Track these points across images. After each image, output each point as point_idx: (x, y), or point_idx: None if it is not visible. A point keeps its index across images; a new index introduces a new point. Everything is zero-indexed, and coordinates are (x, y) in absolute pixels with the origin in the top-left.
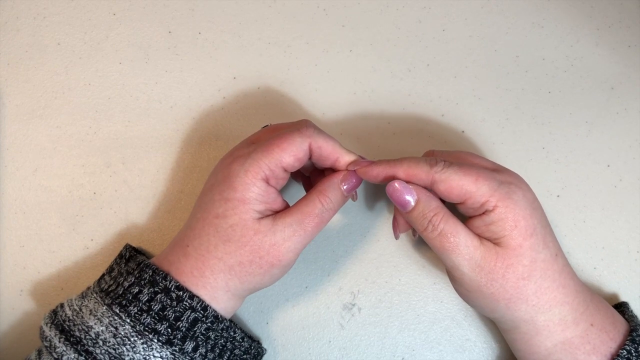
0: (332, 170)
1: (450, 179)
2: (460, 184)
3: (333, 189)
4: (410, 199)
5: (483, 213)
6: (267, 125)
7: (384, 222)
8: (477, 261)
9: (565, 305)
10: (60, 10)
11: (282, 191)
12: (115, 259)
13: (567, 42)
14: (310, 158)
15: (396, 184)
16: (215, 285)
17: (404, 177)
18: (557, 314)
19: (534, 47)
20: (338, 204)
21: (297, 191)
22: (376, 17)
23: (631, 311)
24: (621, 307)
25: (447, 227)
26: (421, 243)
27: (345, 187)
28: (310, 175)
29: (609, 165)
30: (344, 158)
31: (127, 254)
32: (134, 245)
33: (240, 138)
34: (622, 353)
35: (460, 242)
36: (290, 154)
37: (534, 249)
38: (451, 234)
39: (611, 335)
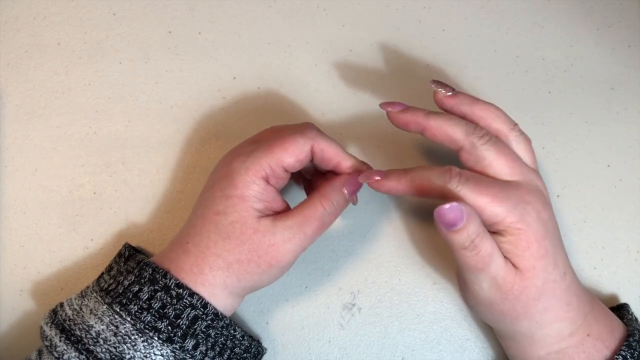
0: (334, 174)
1: (464, 198)
2: (474, 205)
3: (335, 193)
4: (460, 221)
5: (496, 232)
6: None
7: (384, 222)
8: (497, 281)
9: (565, 321)
10: (60, 10)
11: (283, 193)
12: (115, 258)
13: (567, 42)
14: (312, 160)
15: (447, 206)
16: (214, 283)
17: (416, 192)
18: (556, 329)
19: (534, 47)
20: (340, 208)
21: (299, 193)
22: (376, 17)
23: (631, 314)
24: (622, 310)
25: (486, 246)
26: (421, 243)
27: (347, 190)
28: (312, 178)
29: (609, 165)
30: (346, 163)
31: (126, 252)
32: (133, 245)
33: (240, 138)
34: (617, 359)
35: (492, 262)
36: (292, 154)
37: (546, 270)
38: (488, 254)
39: (607, 343)
